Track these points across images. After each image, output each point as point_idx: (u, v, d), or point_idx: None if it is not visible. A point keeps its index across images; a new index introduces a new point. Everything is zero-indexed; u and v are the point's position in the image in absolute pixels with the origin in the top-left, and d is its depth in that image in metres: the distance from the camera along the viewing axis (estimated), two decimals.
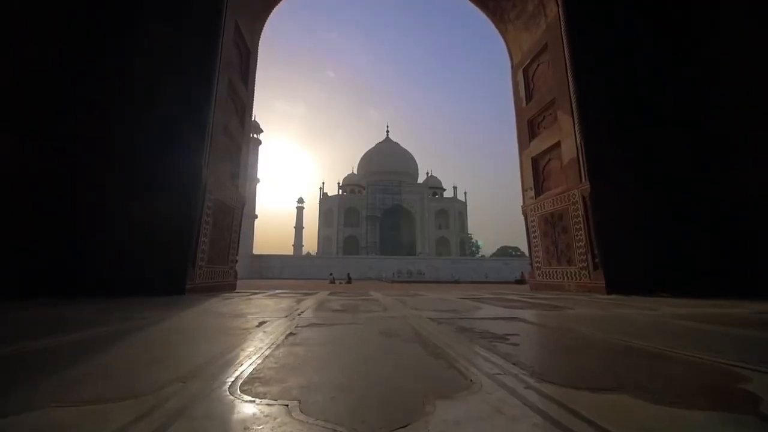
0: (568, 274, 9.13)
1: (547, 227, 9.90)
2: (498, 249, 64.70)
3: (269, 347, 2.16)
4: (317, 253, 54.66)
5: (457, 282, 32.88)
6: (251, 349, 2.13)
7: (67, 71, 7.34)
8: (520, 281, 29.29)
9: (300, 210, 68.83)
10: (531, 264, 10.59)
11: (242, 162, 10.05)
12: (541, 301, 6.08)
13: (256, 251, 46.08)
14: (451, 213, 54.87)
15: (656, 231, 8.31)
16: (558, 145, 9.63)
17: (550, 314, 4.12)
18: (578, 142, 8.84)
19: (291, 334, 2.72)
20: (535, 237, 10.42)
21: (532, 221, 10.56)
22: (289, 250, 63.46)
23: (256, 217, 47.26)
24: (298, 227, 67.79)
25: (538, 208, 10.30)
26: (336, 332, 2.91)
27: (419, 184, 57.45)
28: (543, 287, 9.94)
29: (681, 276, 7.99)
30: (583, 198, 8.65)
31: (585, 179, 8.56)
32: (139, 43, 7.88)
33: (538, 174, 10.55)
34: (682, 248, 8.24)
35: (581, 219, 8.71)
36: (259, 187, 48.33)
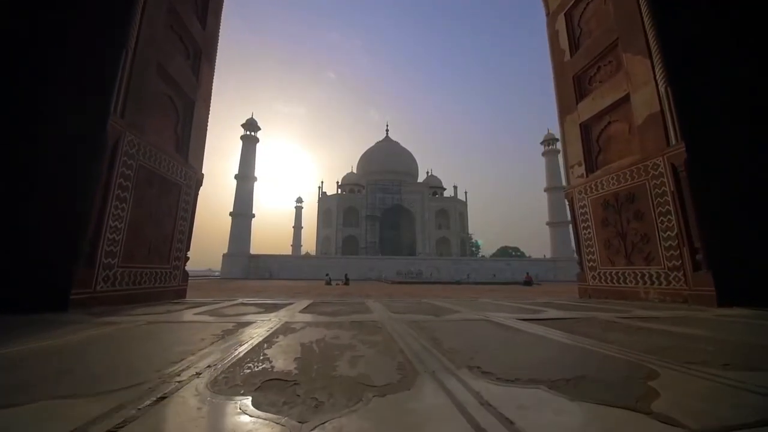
0: (646, 277, 6.23)
1: (607, 213, 7.01)
2: (498, 249, 61.58)
3: None
4: (316, 253, 51.60)
5: (458, 283, 29.93)
6: None
7: None
8: (528, 282, 26.55)
9: (299, 210, 65.85)
10: (580, 263, 7.69)
11: (197, 125, 7.15)
12: (711, 332, 3.16)
13: (253, 251, 43.04)
14: (452, 213, 51.82)
15: None
16: (625, 100, 6.77)
17: None
18: (661, 89, 5.98)
19: None
20: (586, 227, 7.53)
21: (581, 206, 7.67)
22: (288, 250, 60.54)
23: (254, 216, 44.30)
24: (297, 227, 64.72)
25: (591, 188, 7.41)
26: None
27: (419, 183, 54.36)
28: (602, 294, 7.04)
29: None
30: (673, 168, 5.78)
31: (678, 139, 5.69)
32: None
33: (590, 144, 7.67)
34: None
35: (670, 199, 5.84)
36: (257, 186, 45.43)
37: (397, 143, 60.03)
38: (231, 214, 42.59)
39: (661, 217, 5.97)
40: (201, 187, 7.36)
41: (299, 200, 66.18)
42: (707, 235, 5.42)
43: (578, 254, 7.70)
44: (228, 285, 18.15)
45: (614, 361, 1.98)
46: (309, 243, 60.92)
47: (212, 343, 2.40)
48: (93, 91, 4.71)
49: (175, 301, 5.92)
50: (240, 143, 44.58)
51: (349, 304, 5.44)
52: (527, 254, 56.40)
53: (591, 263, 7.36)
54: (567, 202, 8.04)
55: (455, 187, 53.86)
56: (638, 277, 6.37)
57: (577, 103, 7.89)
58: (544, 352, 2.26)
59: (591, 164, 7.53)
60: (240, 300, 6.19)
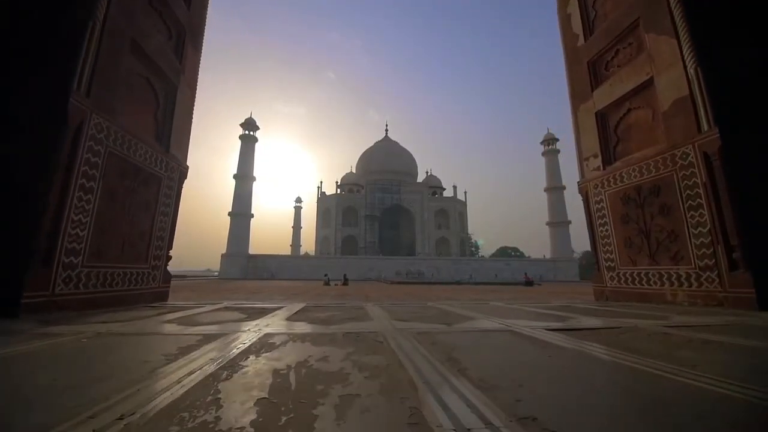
0: (674, 278, 5.59)
1: (628, 208, 6.37)
2: (498, 249, 60.80)
3: None
4: (315, 253, 50.89)
5: (458, 283, 29.25)
6: None
7: None
8: (529, 283, 25.89)
9: (298, 210, 65.09)
10: (597, 263, 7.04)
11: (181, 113, 6.49)
12: None
13: (253, 251, 42.31)
14: (451, 213, 51.14)
15: None
16: (648, 84, 6.14)
17: None
18: (690, 71, 5.36)
19: None
20: (604, 224, 6.88)
21: (598, 201, 7.02)
22: (287, 251, 59.84)
23: (252, 216, 43.59)
24: (296, 227, 63.93)
25: (609, 181, 6.77)
26: None
27: (419, 183, 53.64)
28: (621, 296, 6.39)
29: None
30: (706, 156, 5.15)
31: (710, 125, 5.06)
32: None
33: (607, 134, 7.03)
34: None
35: (701, 191, 5.21)
36: (256, 186, 44.74)
37: (396, 143, 59.36)
38: (230, 213, 41.87)
39: (692, 212, 5.34)
40: (186, 180, 6.71)
41: (298, 200, 65.34)
42: (745, 231, 4.79)
43: (594, 253, 7.05)
44: (225, 285, 17.48)
45: (726, 402, 1.34)
46: (308, 243, 60.18)
47: (154, 369, 1.75)
48: (52, 65, 4.06)
49: (152, 305, 5.25)
50: (239, 143, 43.91)
51: (346, 309, 4.78)
52: (526, 254, 55.73)
53: (609, 263, 6.71)
54: (582, 198, 7.39)
55: (455, 187, 53.25)
56: (664, 278, 5.73)
57: (592, 91, 7.26)
58: (615, 386, 1.61)
59: (608, 156, 6.89)
60: (225, 303, 5.54)
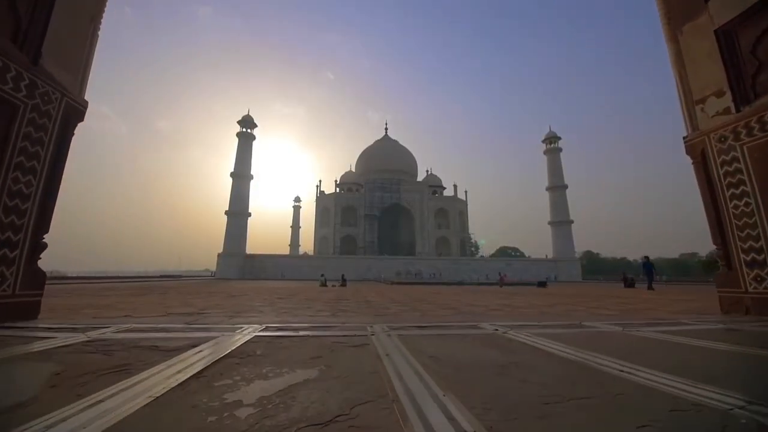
0: None
1: None
2: (497, 249, 58.05)
3: None
4: (314, 253, 48.08)
5: (460, 284, 26.55)
6: None
7: None
8: (542, 284, 23.21)
9: (297, 209, 62.16)
10: (726, 257, 4.41)
11: (67, 11, 3.88)
12: None
13: (252, 251, 39.50)
14: (452, 212, 48.37)
15: None
16: None
17: None
18: None
19: None
20: (740, 196, 4.28)
21: (727, 162, 4.41)
22: (286, 251, 57.02)
23: (250, 215, 40.86)
24: (295, 226, 60.95)
25: (749, 129, 4.17)
26: None
27: (419, 182, 50.83)
28: None
29: None
30: None
31: None
32: None
33: (738, 59, 4.43)
34: None
35: None
36: (254, 185, 42.07)
37: (396, 142, 56.59)
38: (226, 212, 39.16)
39: None
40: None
41: (297, 200, 62.32)
42: None
43: (720, 242, 4.42)
44: (210, 287, 14.71)
45: None
46: (307, 243, 57.29)
47: None
48: None
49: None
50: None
51: (332, 353, 2.16)
52: (526, 254, 53.12)
53: (751, 256, 4.11)
54: (691, 159, 4.79)
55: (455, 186, 50.57)
56: None
57: (706, 1, 4.69)
58: None
59: (744, 91, 4.30)
60: (111, 329, 2.91)
